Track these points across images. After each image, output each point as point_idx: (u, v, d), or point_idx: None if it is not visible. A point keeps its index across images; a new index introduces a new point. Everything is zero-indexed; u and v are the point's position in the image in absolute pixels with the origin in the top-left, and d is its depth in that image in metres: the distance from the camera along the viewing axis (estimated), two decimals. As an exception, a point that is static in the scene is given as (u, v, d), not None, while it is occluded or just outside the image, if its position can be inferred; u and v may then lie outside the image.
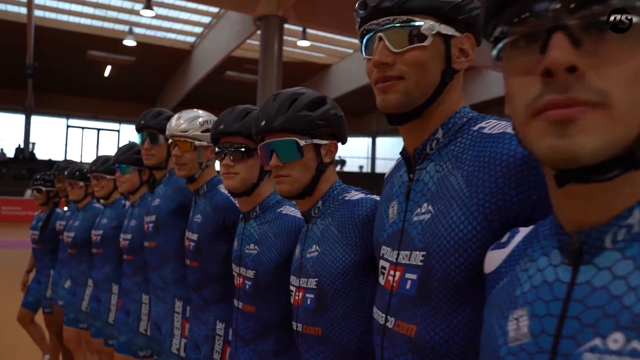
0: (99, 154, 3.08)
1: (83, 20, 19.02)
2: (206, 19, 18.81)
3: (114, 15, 18.57)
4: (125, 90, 25.12)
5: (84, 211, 3.24)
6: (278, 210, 1.57)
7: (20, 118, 25.12)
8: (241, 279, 1.57)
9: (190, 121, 1.94)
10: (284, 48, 14.98)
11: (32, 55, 16.65)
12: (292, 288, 1.33)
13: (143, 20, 18.80)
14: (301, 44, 18.01)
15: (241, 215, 1.67)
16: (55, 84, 23.50)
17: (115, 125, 28.03)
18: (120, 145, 2.72)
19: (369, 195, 1.26)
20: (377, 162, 31.60)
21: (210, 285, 1.87)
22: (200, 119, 1.95)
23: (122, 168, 2.56)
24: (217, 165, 1.70)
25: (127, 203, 2.88)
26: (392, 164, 1.10)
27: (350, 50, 21.02)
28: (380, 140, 31.29)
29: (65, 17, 18.77)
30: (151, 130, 2.25)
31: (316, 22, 15.33)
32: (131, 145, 2.63)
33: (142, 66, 21.99)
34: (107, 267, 2.82)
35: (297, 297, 1.29)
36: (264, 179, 1.62)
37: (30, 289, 4.02)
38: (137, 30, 19.23)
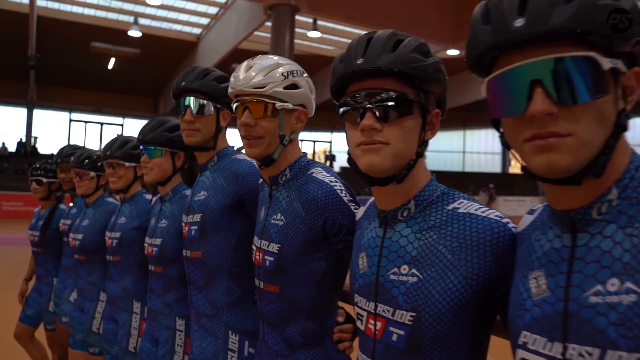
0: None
1: (87, 11, 18.49)
2: (213, 10, 18.25)
3: (119, 5, 18.00)
4: (129, 83, 24.72)
5: (95, 208, 2.64)
6: (449, 208, 0.94)
7: (22, 111, 24.65)
8: (381, 324, 0.93)
9: (267, 72, 1.28)
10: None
11: (34, 46, 16.05)
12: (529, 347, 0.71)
13: (148, 11, 18.26)
14: (312, 35, 17.44)
15: (382, 215, 1.00)
16: (58, 76, 23.09)
17: (118, 120, 27.56)
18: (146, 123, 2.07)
19: None
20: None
21: (298, 321, 1.25)
22: (281, 69, 1.29)
23: (149, 150, 1.92)
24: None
25: (152, 198, 2.25)
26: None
27: (361, 43, 20.47)
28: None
29: (68, 7, 18.24)
30: (196, 95, 1.62)
31: (328, 12, 14.88)
32: (161, 120, 1.98)
33: (147, 59, 21.48)
34: (126, 279, 2.21)
35: None
36: (422, 154, 0.97)
37: (29, 300, 3.38)
38: (142, 21, 18.70)
